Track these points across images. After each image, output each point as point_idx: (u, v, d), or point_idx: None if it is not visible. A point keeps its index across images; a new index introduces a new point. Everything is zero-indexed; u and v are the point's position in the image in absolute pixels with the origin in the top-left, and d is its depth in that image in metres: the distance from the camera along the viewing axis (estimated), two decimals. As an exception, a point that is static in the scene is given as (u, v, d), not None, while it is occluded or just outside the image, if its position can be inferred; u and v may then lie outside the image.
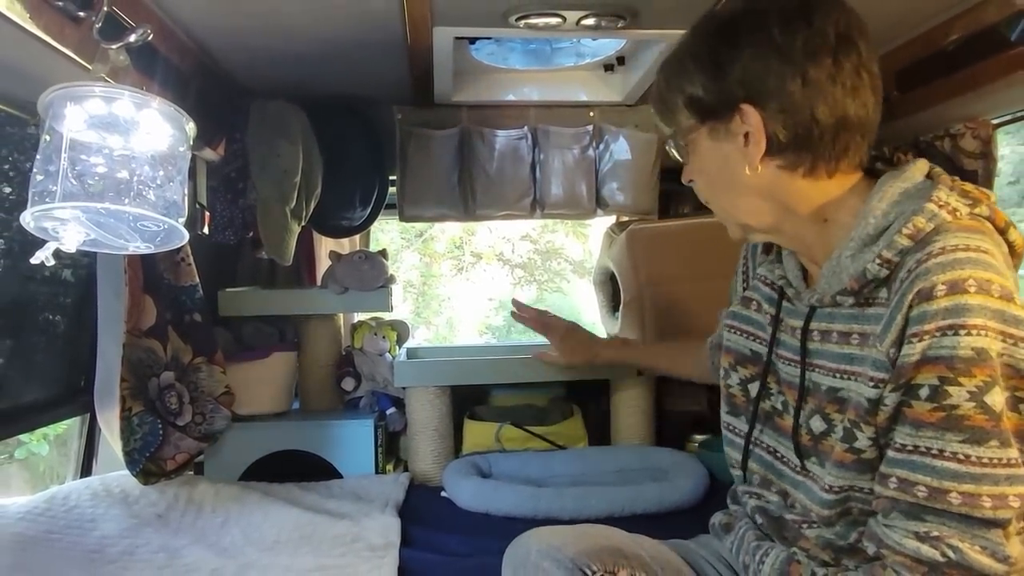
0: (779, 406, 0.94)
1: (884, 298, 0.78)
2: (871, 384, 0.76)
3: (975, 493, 0.68)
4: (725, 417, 1.04)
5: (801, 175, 0.83)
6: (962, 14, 1.21)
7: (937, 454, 0.70)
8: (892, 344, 0.73)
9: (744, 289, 1.06)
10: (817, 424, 0.86)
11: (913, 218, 0.75)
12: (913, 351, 0.71)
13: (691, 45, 0.86)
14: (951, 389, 0.69)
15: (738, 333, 1.01)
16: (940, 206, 0.75)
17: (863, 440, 0.78)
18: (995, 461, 0.68)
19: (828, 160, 0.82)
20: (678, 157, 0.93)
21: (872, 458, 0.78)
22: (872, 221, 0.78)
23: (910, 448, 0.72)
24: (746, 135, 0.82)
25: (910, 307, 0.71)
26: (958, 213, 0.75)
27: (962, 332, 0.68)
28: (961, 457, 0.69)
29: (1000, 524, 0.69)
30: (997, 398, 0.68)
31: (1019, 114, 1.44)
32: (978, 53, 1.23)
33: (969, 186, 0.79)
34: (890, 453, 0.74)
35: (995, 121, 1.45)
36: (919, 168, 0.82)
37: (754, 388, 0.97)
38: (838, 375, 0.83)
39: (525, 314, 1.67)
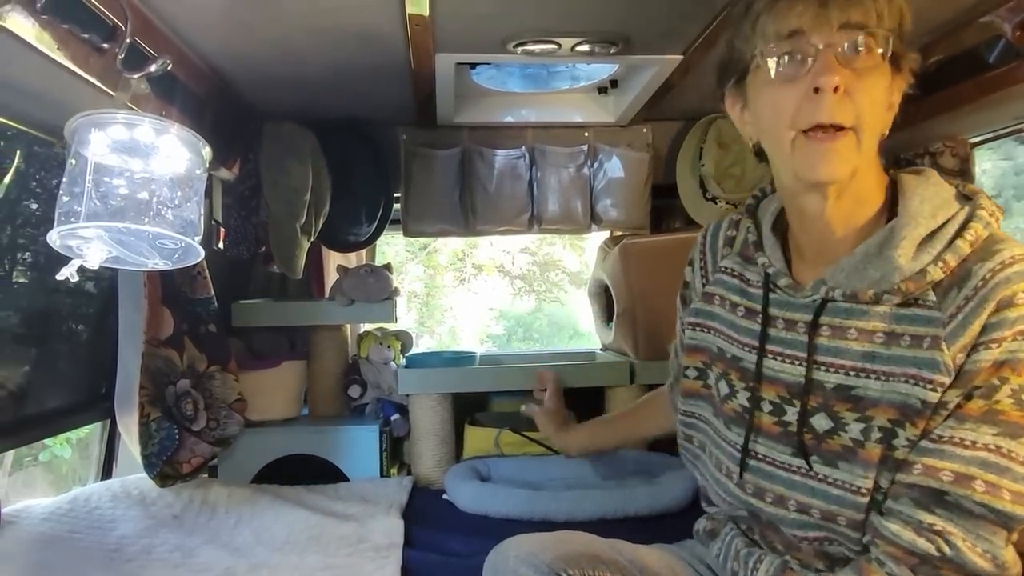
0: (765, 406, 0.89)
1: (933, 301, 0.77)
2: (928, 387, 0.74)
3: (997, 484, 0.69)
4: (712, 420, 0.97)
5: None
6: (942, 37, 1.24)
7: (969, 445, 0.71)
8: (962, 349, 0.73)
9: (704, 285, 1.04)
10: (821, 422, 0.82)
11: (972, 225, 0.76)
12: (989, 356, 0.72)
13: None
14: (1001, 386, 0.71)
15: (705, 330, 0.99)
16: (990, 214, 0.77)
17: (901, 439, 0.77)
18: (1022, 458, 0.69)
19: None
20: (849, 51, 0.76)
21: (904, 458, 0.77)
22: (923, 222, 0.78)
23: (945, 439, 0.72)
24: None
25: (990, 315, 0.72)
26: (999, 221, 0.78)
27: None
28: (992, 447, 0.70)
29: (1009, 526, 0.69)
30: None
31: (997, 133, 1.48)
32: (957, 75, 1.27)
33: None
34: (922, 443, 0.74)
35: (973, 140, 1.49)
36: (933, 171, 0.83)
37: (723, 387, 0.94)
38: (853, 372, 0.80)
39: (543, 384, 1.68)
